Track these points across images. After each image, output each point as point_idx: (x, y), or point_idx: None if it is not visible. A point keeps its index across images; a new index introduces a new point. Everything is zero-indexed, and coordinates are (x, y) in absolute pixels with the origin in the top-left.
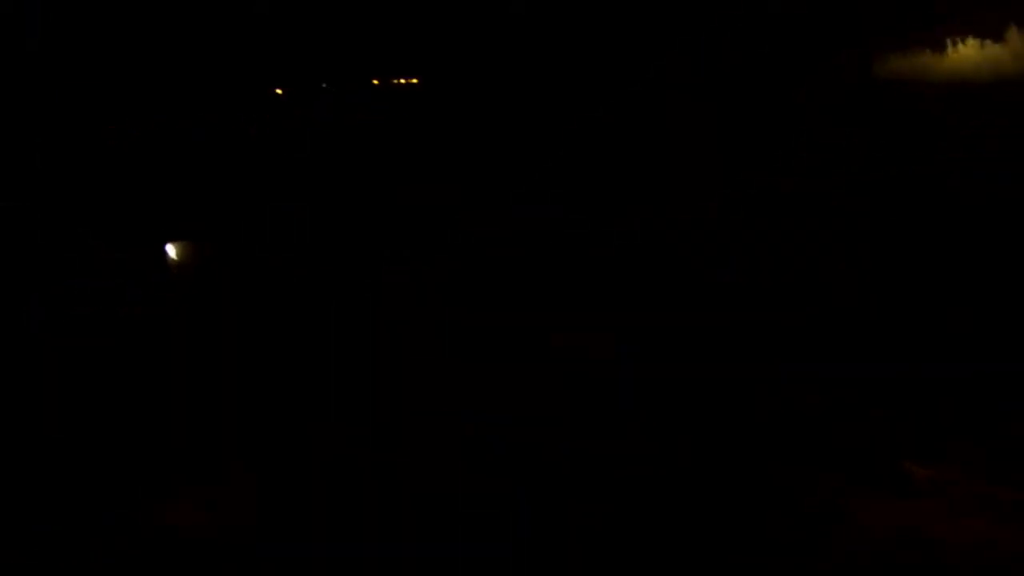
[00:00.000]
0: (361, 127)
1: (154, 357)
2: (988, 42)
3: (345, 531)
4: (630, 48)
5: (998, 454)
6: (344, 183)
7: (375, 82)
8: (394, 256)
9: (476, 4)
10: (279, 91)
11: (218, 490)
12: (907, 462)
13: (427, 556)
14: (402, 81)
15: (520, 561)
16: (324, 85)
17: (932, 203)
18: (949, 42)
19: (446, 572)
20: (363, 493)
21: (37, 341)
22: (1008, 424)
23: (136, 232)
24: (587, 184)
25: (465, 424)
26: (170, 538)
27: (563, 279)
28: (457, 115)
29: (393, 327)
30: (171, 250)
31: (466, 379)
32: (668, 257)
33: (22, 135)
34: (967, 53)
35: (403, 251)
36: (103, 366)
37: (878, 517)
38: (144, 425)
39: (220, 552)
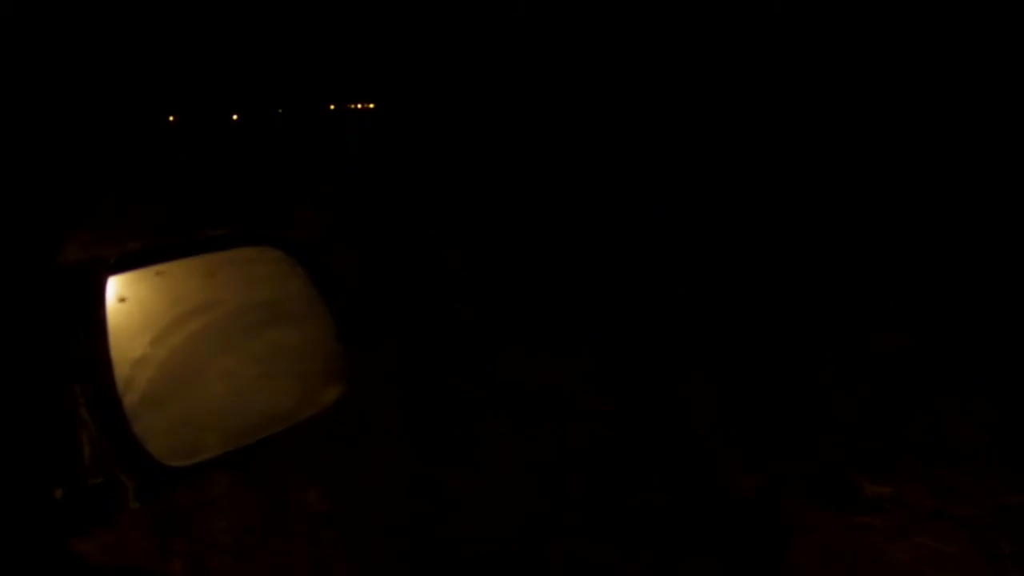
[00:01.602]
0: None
1: None
2: None
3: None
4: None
5: (954, 465)
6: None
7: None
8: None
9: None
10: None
11: None
12: (859, 476)
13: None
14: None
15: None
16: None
17: (931, 203)
18: None
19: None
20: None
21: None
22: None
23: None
24: (586, 183)
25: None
26: None
27: (562, 278)
28: (458, 117)
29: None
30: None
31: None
32: (667, 257)
33: (22, 135)
34: None
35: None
36: None
37: (829, 535)
38: None
39: None
